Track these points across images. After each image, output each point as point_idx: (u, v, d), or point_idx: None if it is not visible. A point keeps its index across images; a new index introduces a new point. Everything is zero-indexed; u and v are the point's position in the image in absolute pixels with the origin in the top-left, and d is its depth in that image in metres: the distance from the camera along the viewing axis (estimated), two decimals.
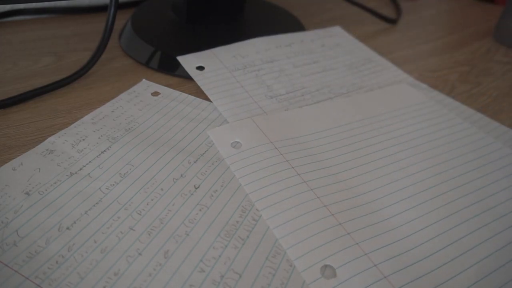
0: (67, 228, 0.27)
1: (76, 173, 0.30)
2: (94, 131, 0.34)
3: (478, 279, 0.27)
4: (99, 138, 0.34)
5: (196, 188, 0.31)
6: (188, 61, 0.42)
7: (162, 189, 0.30)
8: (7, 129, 0.34)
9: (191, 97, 0.39)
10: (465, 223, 0.30)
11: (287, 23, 0.54)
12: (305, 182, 0.31)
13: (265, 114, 0.38)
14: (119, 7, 0.56)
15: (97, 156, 0.32)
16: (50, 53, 0.46)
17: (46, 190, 0.29)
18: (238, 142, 0.34)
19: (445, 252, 0.28)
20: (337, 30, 0.53)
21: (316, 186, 0.31)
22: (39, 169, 0.30)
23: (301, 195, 0.30)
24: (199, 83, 0.40)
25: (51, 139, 0.33)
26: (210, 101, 0.39)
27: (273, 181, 0.31)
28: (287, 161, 0.33)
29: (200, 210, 0.29)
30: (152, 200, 0.29)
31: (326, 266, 0.26)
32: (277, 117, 0.37)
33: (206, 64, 0.42)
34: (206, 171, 0.32)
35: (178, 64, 0.43)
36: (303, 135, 0.36)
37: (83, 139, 0.33)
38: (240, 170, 0.32)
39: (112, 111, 0.37)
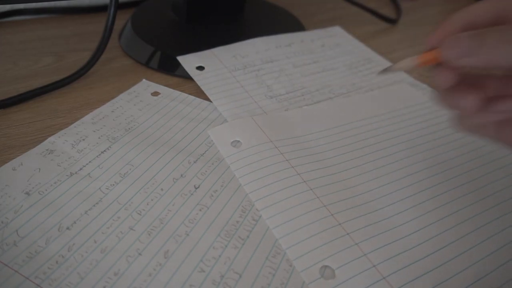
0: (67, 228, 0.27)
1: (76, 173, 0.30)
2: (94, 131, 0.34)
3: (477, 279, 0.27)
4: (99, 138, 0.34)
5: (196, 188, 0.31)
6: (188, 61, 0.42)
7: (162, 189, 0.30)
8: (7, 129, 0.34)
9: (191, 97, 0.39)
10: (464, 223, 0.30)
11: (287, 23, 0.54)
12: (305, 182, 0.31)
13: (265, 113, 0.38)
14: (119, 7, 0.55)
15: (97, 156, 0.32)
16: (50, 53, 0.46)
17: (46, 190, 0.29)
18: (238, 141, 0.34)
19: (444, 251, 0.28)
20: (337, 30, 0.53)
21: (316, 186, 0.31)
22: (39, 169, 0.30)
23: (300, 195, 0.30)
24: (199, 83, 0.40)
25: (51, 139, 0.33)
26: (210, 101, 0.39)
27: (273, 181, 0.31)
28: (287, 160, 0.33)
29: (200, 210, 0.29)
30: (152, 200, 0.29)
31: (325, 266, 0.26)
32: (277, 116, 0.37)
33: (206, 64, 0.42)
34: (206, 171, 0.32)
35: (178, 64, 0.43)
36: (303, 135, 0.36)
37: (83, 139, 0.33)
38: (240, 169, 0.32)
39: (112, 111, 0.37)
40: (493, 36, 0.22)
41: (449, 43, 0.24)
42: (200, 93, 0.40)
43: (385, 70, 0.28)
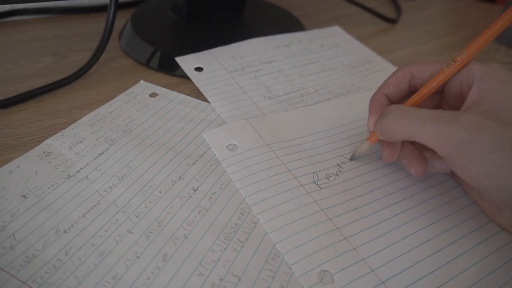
0: (65, 232, 0.27)
1: (73, 175, 0.30)
2: (92, 133, 0.34)
3: (477, 279, 0.27)
4: (96, 140, 0.33)
5: (195, 190, 0.30)
6: (186, 62, 0.42)
7: (160, 192, 0.30)
8: (7, 129, 0.34)
9: (189, 98, 0.39)
10: (463, 223, 0.30)
11: (287, 23, 0.54)
12: (302, 185, 0.31)
13: (261, 115, 0.38)
14: (119, 7, 0.55)
15: (94, 158, 0.32)
16: (51, 53, 0.46)
17: (43, 193, 0.29)
18: (234, 145, 0.34)
19: (443, 253, 0.28)
20: (336, 30, 0.53)
21: (313, 190, 0.31)
22: (36, 171, 0.30)
23: (298, 199, 0.30)
24: (197, 85, 0.40)
25: (48, 141, 0.33)
26: (209, 102, 0.39)
27: (269, 185, 0.31)
28: (283, 164, 0.33)
29: (199, 212, 0.29)
30: (150, 202, 0.29)
31: (324, 271, 0.26)
32: (273, 118, 0.37)
33: (204, 65, 0.42)
34: (204, 173, 0.32)
35: (178, 64, 0.42)
36: (300, 137, 0.35)
37: (81, 141, 0.33)
38: (236, 173, 0.32)
39: (110, 113, 0.36)
40: (382, 121, 0.29)
41: (376, 126, 0.30)
42: (200, 93, 0.40)
43: (353, 157, 0.34)
